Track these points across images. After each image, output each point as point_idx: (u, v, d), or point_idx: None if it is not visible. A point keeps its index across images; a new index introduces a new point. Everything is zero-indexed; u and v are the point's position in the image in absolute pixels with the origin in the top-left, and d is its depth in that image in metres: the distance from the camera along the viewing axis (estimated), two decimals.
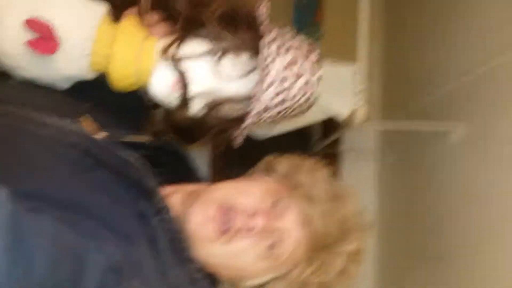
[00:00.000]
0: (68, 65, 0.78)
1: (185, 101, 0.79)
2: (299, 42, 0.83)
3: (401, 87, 2.34)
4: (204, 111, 0.82)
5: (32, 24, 0.73)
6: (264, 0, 0.82)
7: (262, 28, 0.80)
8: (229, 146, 0.89)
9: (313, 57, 0.83)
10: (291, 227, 0.77)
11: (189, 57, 0.78)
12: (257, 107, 0.79)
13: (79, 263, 0.55)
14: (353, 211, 0.82)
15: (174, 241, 0.72)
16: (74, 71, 0.79)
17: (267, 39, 0.78)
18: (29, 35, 0.74)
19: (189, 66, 0.78)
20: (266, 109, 0.80)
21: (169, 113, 0.85)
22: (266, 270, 0.79)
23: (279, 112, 0.82)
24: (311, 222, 0.77)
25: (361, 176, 2.51)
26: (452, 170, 1.72)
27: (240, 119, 0.82)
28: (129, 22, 0.80)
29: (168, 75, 0.78)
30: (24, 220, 0.49)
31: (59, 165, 0.68)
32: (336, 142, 2.43)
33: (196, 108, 0.81)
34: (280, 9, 2.47)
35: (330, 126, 2.22)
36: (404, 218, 2.21)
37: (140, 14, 0.81)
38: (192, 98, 0.80)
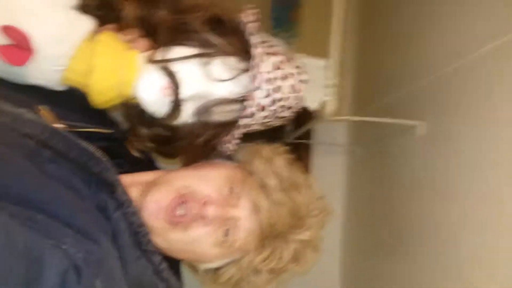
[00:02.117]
0: (38, 75, 0.74)
1: (176, 105, 0.77)
2: (281, 47, 0.84)
3: (371, 84, 2.37)
4: (196, 116, 0.80)
5: (8, 31, 0.69)
6: (250, 8, 0.81)
7: (247, 32, 0.80)
8: (201, 158, 0.86)
9: (295, 62, 0.85)
10: (244, 215, 0.78)
11: (177, 60, 0.77)
12: (251, 106, 0.78)
13: (36, 265, 0.52)
14: (308, 200, 0.82)
15: (136, 235, 0.72)
16: (43, 82, 0.75)
17: (254, 42, 0.78)
18: (3, 41, 0.70)
19: (178, 69, 0.76)
20: (260, 108, 0.80)
21: (154, 124, 0.83)
22: (221, 255, 0.80)
23: (272, 112, 0.81)
24: (261, 211, 0.77)
25: (330, 167, 2.56)
26: (415, 164, 1.76)
27: (233, 122, 0.81)
28: (109, 36, 0.77)
29: (157, 80, 0.76)
30: None
31: (15, 156, 0.63)
32: (307, 134, 2.46)
33: (187, 113, 0.79)
34: (258, 6, 2.50)
35: (302, 117, 2.25)
36: (370, 209, 2.25)
37: (120, 30, 0.79)
38: (184, 101, 0.77)
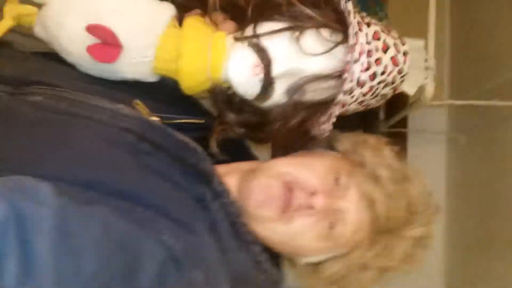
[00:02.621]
0: (130, 69, 0.75)
1: (268, 83, 0.74)
2: (375, 20, 0.78)
3: (473, 65, 2.21)
4: (288, 95, 0.76)
5: (94, 29, 0.71)
6: None
7: (339, 3, 0.75)
8: (293, 143, 0.83)
9: (394, 33, 0.79)
10: (353, 207, 0.74)
11: (266, 34, 0.74)
12: (348, 80, 0.73)
13: (135, 256, 0.54)
14: (420, 195, 0.77)
15: (235, 225, 0.71)
16: (136, 75, 0.76)
17: (348, 12, 0.73)
18: (91, 40, 0.71)
19: (268, 45, 0.74)
20: (359, 84, 0.74)
21: (245, 108, 0.81)
22: (325, 249, 0.77)
23: (371, 89, 0.76)
24: (375, 204, 0.73)
25: (429, 158, 2.40)
26: None
27: (328, 101, 0.77)
28: (195, 19, 0.77)
29: (247, 58, 0.74)
30: (71, 217, 0.49)
31: (114, 151, 0.66)
32: (402, 122, 2.33)
33: (279, 92, 0.76)
34: None
35: (396, 104, 2.13)
36: (475, 204, 2.12)
37: (206, 14, 0.78)
38: (275, 79, 0.74)
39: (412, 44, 1.49)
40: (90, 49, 0.71)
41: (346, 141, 0.82)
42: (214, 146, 0.83)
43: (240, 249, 0.72)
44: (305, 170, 0.75)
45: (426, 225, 0.78)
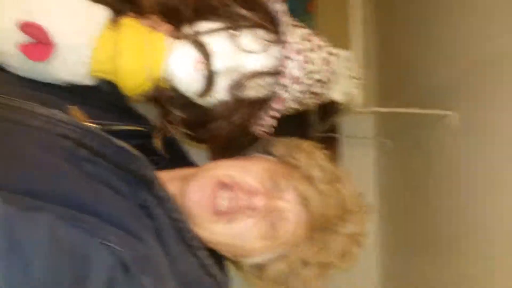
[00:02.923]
0: (64, 70, 0.73)
1: (210, 79, 0.75)
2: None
3: (398, 74, 2.31)
4: (229, 92, 0.77)
5: (26, 27, 0.69)
6: None
7: (271, 5, 0.78)
8: (236, 141, 0.85)
9: (321, 37, 0.82)
10: (291, 207, 0.76)
11: (206, 32, 0.75)
12: (284, 77, 0.75)
13: (83, 263, 0.53)
14: (352, 193, 0.81)
15: (180, 230, 0.71)
16: (71, 77, 0.75)
17: (280, 13, 0.76)
18: (23, 38, 0.69)
19: (208, 41, 0.75)
20: (295, 80, 0.76)
21: (187, 107, 0.81)
22: (267, 249, 0.78)
23: (307, 86, 0.79)
24: (310, 203, 0.75)
25: (359, 161, 2.50)
26: (450, 156, 1.71)
27: (268, 98, 0.79)
28: (132, 21, 0.76)
29: (188, 54, 0.75)
30: (19, 223, 0.47)
31: (52, 158, 0.64)
32: (334, 127, 2.41)
33: (220, 89, 0.77)
34: None
35: (327, 110, 2.21)
36: (403, 204, 2.21)
37: (142, 16, 0.78)
38: (216, 75, 0.75)
39: (341, 54, 1.57)
40: (22, 47, 0.69)
41: (280, 146, 0.84)
42: (158, 146, 0.84)
43: (187, 254, 0.72)
44: (243, 172, 0.76)
45: (359, 223, 0.81)
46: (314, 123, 2.45)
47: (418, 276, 2.02)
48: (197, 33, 0.75)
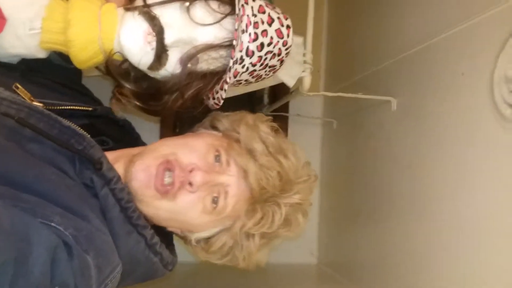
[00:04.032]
0: (16, 43, 0.71)
1: (161, 51, 0.73)
2: None
3: (346, 59, 2.39)
4: (181, 65, 0.75)
5: None
6: None
7: None
8: (179, 116, 0.84)
9: (278, 9, 0.81)
10: (232, 181, 0.75)
11: (157, 4, 0.73)
12: (238, 50, 0.74)
13: (24, 243, 0.50)
14: (295, 165, 0.79)
15: (125, 210, 0.69)
16: (22, 49, 0.72)
17: None
18: None
19: (159, 14, 0.72)
20: (249, 53, 0.75)
21: (139, 79, 0.78)
22: (212, 223, 0.78)
23: (260, 59, 0.77)
24: (250, 175, 0.75)
25: (306, 139, 2.59)
26: (386, 136, 1.82)
27: (221, 71, 0.77)
28: None
29: (139, 26, 0.72)
30: None
31: None
32: (284, 107, 2.47)
33: (172, 61, 0.75)
34: None
35: (279, 92, 2.27)
36: (344, 180, 2.30)
37: None
38: (168, 47, 0.73)
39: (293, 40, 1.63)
40: None
41: (225, 120, 0.83)
42: (117, 112, 0.83)
43: (132, 233, 0.70)
44: (185, 149, 0.75)
45: (303, 192, 0.81)
46: (267, 102, 2.51)
47: (352, 244, 2.13)
48: (148, 5, 0.73)
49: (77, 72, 0.84)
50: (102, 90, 0.88)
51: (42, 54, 0.74)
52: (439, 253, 1.38)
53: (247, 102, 2.55)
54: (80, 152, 0.66)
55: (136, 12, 0.72)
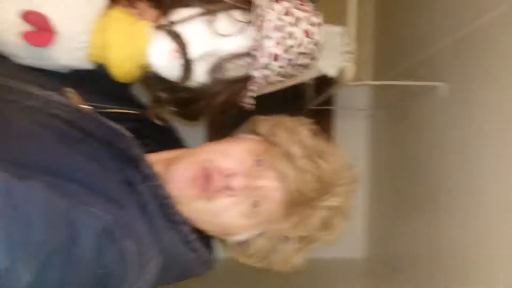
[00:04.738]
0: (65, 56, 0.75)
1: (187, 66, 0.76)
2: None
3: (390, 48, 2.33)
4: (209, 76, 0.78)
5: (28, 16, 0.70)
6: None
7: None
8: (225, 119, 0.86)
9: (307, 7, 0.80)
10: (271, 185, 0.75)
11: (181, 21, 0.76)
12: (262, 56, 0.75)
13: (73, 228, 0.53)
14: (335, 167, 0.79)
15: (163, 207, 0.71)
16: (72, 61, 0.76)
17: None
18: (25, 27, 0.70)
19: (183, 30, 0.75)
20: (273, 57, 0.76)
21: (174, 89, 0.81)
22: (250, 227, 0.78)
23: (289, 61, 0.78)
24: (287, 178, 0.75)
25: (353, 131, 2.56)
26: (438, 125, 1.75)
27: (248, 77, 0.78)
28: (119, 11, 0.77)
29: (164, 44, 0.75)
30: (16, 187, 0.48)
31: (45, 134, 0.65)
32: (329, 100, 2.44)
33: (200, 73, 0.78)
34: None
35: (323, 84, 2.24)
36: (393, 171, 2.25)
37: (130, 4, 0.78)
38: (193, 61, 0.76)
39: (331, 30, 1.60)
40: (25, 35, 0.70)
41: (264, 124, 0.84)
42: (154, 119, 0.86)
43: (170, 229, 0.72)
44: (224, 155, 0.76)
45: (342, 195, 0.79)
46: (310, 96, 2.48)
47: (404, 238, 2.08)
48: (172, 22, 0.76)
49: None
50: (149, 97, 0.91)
51: (89, 66, 0.78)
52: (494, 245, 1.31)
53: (293, 97, 2.52)
54: (122, 150, 0.69)
55: (161, 31, 0.76)
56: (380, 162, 2.41)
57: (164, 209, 0.71)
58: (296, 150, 0.77)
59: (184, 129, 0.95)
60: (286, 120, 0.83)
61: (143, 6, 0.79)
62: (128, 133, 0.71)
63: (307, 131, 0.81)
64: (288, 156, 0.76)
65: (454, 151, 1.58)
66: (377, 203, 2.43)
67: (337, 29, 1.56)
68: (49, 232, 0.48)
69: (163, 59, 0.76)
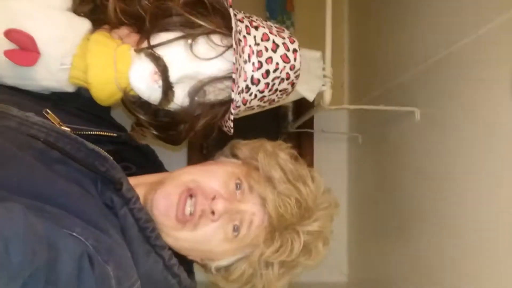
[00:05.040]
0: (47, 77, 0.75)
1: (167, 88, 0.76)
2: (267, 23, 0.82)
3: (368, 72, 2.37)
4: (190, 99, 0.78)
5: (13, 34, 0.70)
6: None
7: (227, 11, 0.78)
8: (205, 142, 0.87)
9: (284, 34, 0.81)
10: (252, 209, 0.75)
11: (161, 44, 0.76)
12: (241, 80, 0.76)
13: (53, 250, 0.52)
14: (314, 192, 0.79)
15: (144, 230, 0.70)
16: (53, 83, 0.76)
17: (235, 18, 0.76)
18: (8, 45, 0.70)
19: (163, 53, 0.76)
20: (254, 81, 0.77)
21: (156, 112, 0.82)
22: (231, 251, 0.78)
23: (267, 85, 0.79)
24: (268, 203, 0.74)
25: (333, 154, 2.57)
26: (415, 149, 1.77)
27: (228, 100, 0.79)
28: (100, 34, 0.78)
29: (145, 67, 0.76)
30: None
31: (24, 155, 0.64)
32: (309, 123, 2.47)
33: (180, 96, 0.78)
34: None
35: (302, 107, 2.27)
36: (373, 194, 2.26)
37: (111, 28, 0.80)
38: (174, 84, 0.76)
39: (310, 54, 1.63)
40: (9, 53, 0.70)
41: (245, 148, 0.84)
42: (139, 139, 0.87)
43: (150, 253, 0.71)
44: (207, 177, 0.76)
45: (323, 219, 0.79)
46: (289, 119, 2.50)
47: (383, 262, 2.07)
48: (152, 46, 0.76)
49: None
50: (129, 120, 0.92)
51: (70, 89, 0.78)
52: (473, 269, 1.32)
53: (272, 120, 2.55)
54: (102, 173, 0.69)
55: (142, 54, 0.76)
56: (359, 185, 2.42)
57: (145, 233, 0.70)
58: (276, 174, 0.77)
59: (164, 152, 0.96)
60: (266, 144, 0.84)
61: (125, 30, 0.81)
62: (109, 156, 0.71)
63: (287, 155, 0.82)
64: (269, 180, 0.77)
65: (432, 175, 1.59)
66: (357, 227, 2.42)
67: (315, 53, 1.59)
68: (29, 254, 0.47)
69: (143, 81, 0.76)
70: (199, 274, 0.85)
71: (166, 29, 0.78)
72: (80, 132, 0.74)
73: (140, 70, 0.76)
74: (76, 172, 0.68)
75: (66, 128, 0.72)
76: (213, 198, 0.73)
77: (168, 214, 0.72)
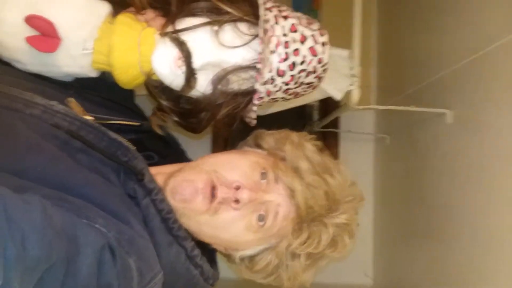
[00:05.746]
0: (70, 63, 0.74)
1: (190, 74, 0.74)
2: (297, 13, 0.79)
3: (397, 72, 2.31)
4: (212, 86, 0.76)
5: (34, 20, 0.69)
6: None
7: None
8: (230, 132, 0.86)
9: (314, 26, 0.79)
10: (278, 199, 0.74)
11: (186, 30, 0.75)
12: (266, 70, 0.74)
13: (73, 243, 0.51)
14: (342, 184, 0.78)
15: (167, 221, 0.70)
16: (76, 69, 0.75)
17: (263, 6, 0.74)
18: (29, 31, 0.69)
19: (188, 38, 0.74)
20: (279, 73, 0.75)
21: (177, 98, 0.80)
22: (256, 241, 0.77)
23: (293, 77, 0.77)
24: (296, 194, 0.74)
25: (358, 156, 2.53)
26: (445, 152, 1.72)
27: (252, 91, 0.77)
28: (126, 16, 0.77)
29: (169, 52, 0.74)
30: (12, 201, 0.46)
31: (47, 145, 0.63)
32: (335, 123, 2.43)
33: (202, 83, 0.76)
34: None
35: (328, 106, 2.23)
36: (399, 197, 2.21)
37: (137, 12, 0.78)
38: (197, 70, 0.75)
39: (338, 52, 1.60)
40: (30, 40, 0.69)
41: (269, 139, 0.82)
42: (156, 128, 0.85)
43: (173, 244, 0.70)
44: (228, 167, 0.75)
45: (350, 212, 0.78)
46: (315, 118, 2.47)
47: (409, 265, 2.02)
48: (178, 30, 0.75)
49: (130, 90, 0.86)
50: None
51: (94, 74, 0.77)
52: (509, 278, 1.26)
53: (298, 118, 2.51)
54: (125, 163, 0.68)
55: (166, 38, 0.74)
56: (386, 187, 2.37)
57: (167, 223, 0.70)
58: (304, 165, 0.76)
59: (189, 141, 0.95)
60: (292, 135, 0.82)
61: (150, 13, 0.79)
62: (131, 146, 0.70)
63: (314, 146, 0.80)
64: (296, 171, 0.76)
65: (465, 179, 1.54)
66: (383, 229, 2.38)
67: (343, 52, 1.55)
68: (46, 247, 0.47)
69: (166, 66, 0.75)
70: (227, 271, 0.83)
71: (192, 14, 0.76)
72: (102, 121, 0.73)
73: (163, 54, 0.75)
74: (99, 162, 0.67)
75: (89, 117, 0.71)
76: (237, 188, 0.72)
77: (193, 198, 0.71)
